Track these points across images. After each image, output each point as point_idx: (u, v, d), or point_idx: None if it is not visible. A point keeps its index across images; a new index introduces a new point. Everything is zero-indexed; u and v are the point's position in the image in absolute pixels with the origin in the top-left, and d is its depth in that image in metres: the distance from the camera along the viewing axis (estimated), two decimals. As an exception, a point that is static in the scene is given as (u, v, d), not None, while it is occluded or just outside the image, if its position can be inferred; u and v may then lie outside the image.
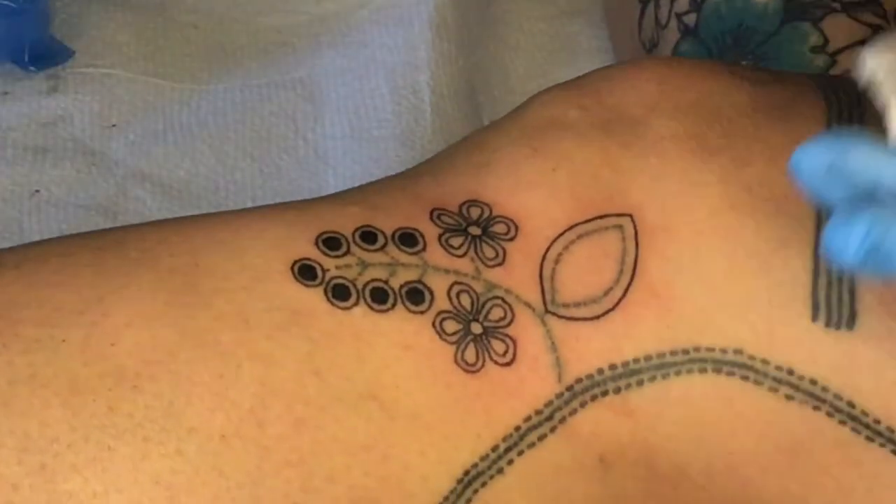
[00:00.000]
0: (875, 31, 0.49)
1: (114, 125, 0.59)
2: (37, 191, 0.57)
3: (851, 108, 0.37)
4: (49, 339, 0.33)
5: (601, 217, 0.36)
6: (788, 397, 0.35)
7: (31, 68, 0.60)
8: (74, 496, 0.32)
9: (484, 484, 0.34)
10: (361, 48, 0.61)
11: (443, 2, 0.61)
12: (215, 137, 0.58)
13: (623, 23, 0.57)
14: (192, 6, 0.63)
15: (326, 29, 0.62)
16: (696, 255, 0.35)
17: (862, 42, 0.48)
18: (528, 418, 0.35)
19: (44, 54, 0.61)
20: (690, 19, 0.51)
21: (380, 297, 0.34)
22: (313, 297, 0.34)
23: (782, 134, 0.37)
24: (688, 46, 0.51)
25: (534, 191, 0.36)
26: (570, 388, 0.35)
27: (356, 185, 0.55)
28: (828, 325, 0.34)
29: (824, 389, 0.34)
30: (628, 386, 0.35)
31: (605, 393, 0.35)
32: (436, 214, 0.36)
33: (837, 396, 0.34)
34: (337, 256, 0.35)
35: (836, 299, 0.34)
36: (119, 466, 0.32)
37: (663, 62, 0.39)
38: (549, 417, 0.35)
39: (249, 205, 0.56)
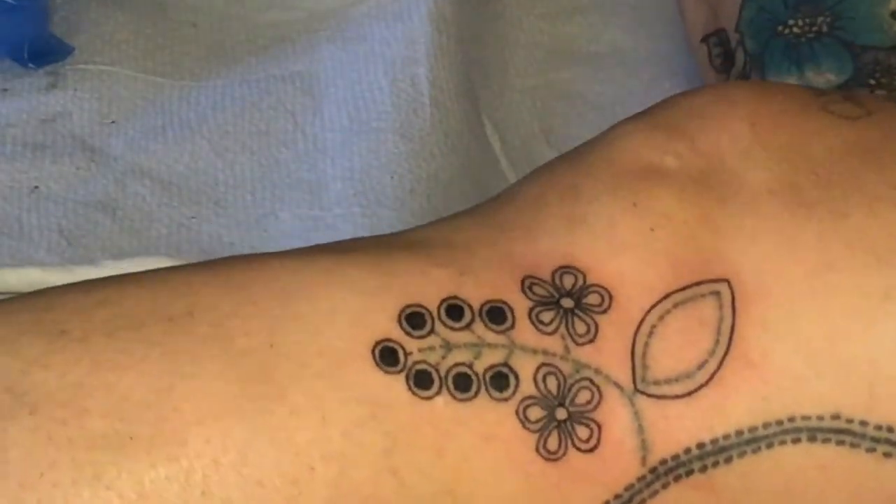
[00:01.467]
0: None
1: (113, 121, 0.59)
2: (36, 187, 0.57)
3: None
4: (115, 434, 0.31)
5: (698, 284, 0.34)
6: (886, 455, 0.33)
7: (31, 65, 0.60)
8: None
9: None
10: (360, 42, 0.61)
11: (442, -4, 0.61)
12: (214, 132, 0.58)
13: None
14: (191, 4, 0.64)
15: (325, 24, 0.62)
16: (794, 320, 0.34)
17: None
18: (607, 503, 0.33)
19: (43, 51, 0.61)
20: None
21: (463, 384, 0.33)
22: (394, 386, 0.32)
23: (879, 180, 0.35)
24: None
25: (630, 254, 0.34)
26: (653, 470, 0.33)
27: (356, 176, 0.56)
28: None
29: None
30: (716, 464, 0.33)
31: (689, 473, 0.33)
32: (527, 284, 0.34)
33: None
34: (420, 337, 0.33)
35: None
36: None
37: (753, 94, 0.37)
38: (629, 501, 0.33)
39: (249, 199, 0.56)
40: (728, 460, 0.33)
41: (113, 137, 0.58)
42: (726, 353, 0.34)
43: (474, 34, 0.62)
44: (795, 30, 0.51)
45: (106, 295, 0.34)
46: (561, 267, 0.35)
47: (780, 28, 0.51)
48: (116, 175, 0.57)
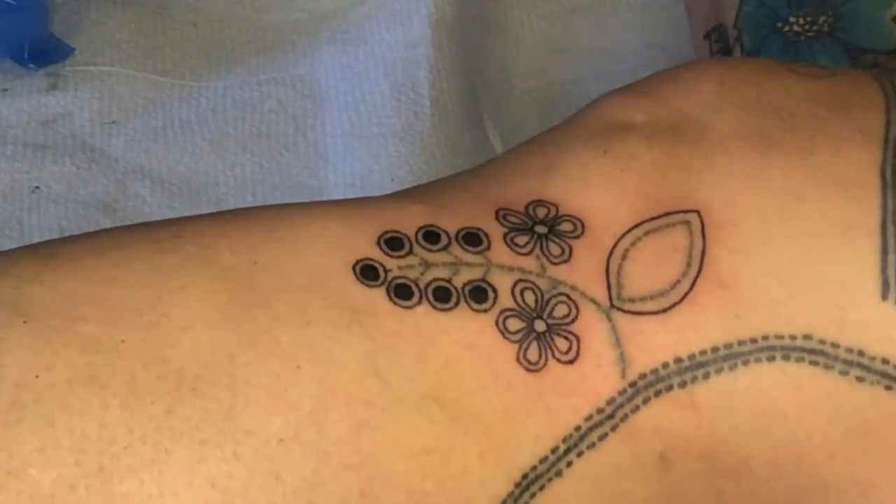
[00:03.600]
0: None
1: (114, 122, 0.59)
2: (37, 187, 0.57)
3: None
4: (108, 339, 0.32)
5: (668, 214, 0.35)
6: (859, 379, 0.34)
7: (31, 66, 0.60)
8: (130, 498, 0.31)
9: (542, 487, 0.34)
10: (361, 44, 0.61)
11: (441, -1, 0.61)
12: (215, 134, 0.58)
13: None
14: (192, 4, 0.64)
15: (326, 26, 0.63)
16: (764, 245, 0.35)
17: None
18: (590, 417, 0.34)
19: (43, 52, 0.61)
20: None
21: (443, 295, 0.34)
22: (375, 297, 0.33)
23: (843, 123, 0.36)
24: None
25: (601, 190, 0.36)
26: (633, 385, 0.34)
27: (357, 181, 0.56)
28: None
29: None
30: (694, 379, 0.34)
31: (669, 388, 0.34)
32: (501, 214, 0.35)
33: None
34: (399, 257, 0.34)
35: None
36: (175, 469, 0.31)
37: (722, 63, 0.39)
38: (611, 416, 0.34)
39: (250, 201, 0.56)
40: (706, 376, 0.34)
41: (113, 138, 0.59)
42: (698, 275, 0.35)
43: (474, 35, 0.62)
44: (796, 27, 0.51)
45: (94, 232, 0.35)
46: (534, 201, 0.36)
47: (779, 24, 0.51)
48: (117, 175, 0.57)
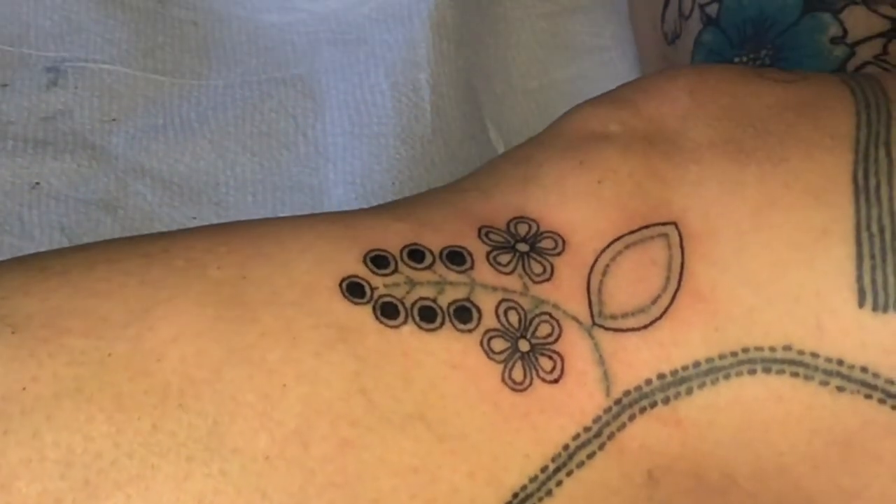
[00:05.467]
0: (894, 24, 0.49)
1: (114, 119, 0.59)
2: (37, 183, 0.57)
3: (877, 98, 0.37)
4: (95, 351, 0.32)
5: (646, 227, 0.36)
6: (839, 389, 0.34)
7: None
8: None
9: None
10: (361, 45, 0.61)
11: (442, 0, 0.61)
12: (215, 133, 0.58)
13: (646, 14, 0.57)
14: (192, 3, 0.64)
15: (326, 26, 0.63)
16: (740, 255, 0.35)
17: (881, 34, 0.49)
18: (577, 436, 0.34)
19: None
20: (713, 10, 0.52)
21: (428, 315, 0.34)
22: (362, 315, 0.34)
23: (814, 128, 0.37)
24: (709, 36, 0.52)
25: (580, 203, 0.36)
26: (618, 402, 0.34)
27: (357, 181, 0.56)
28: (875, 308, 0.34)
29: (875, 376, 0.34)
30: (677, 395, 0.35)
31: (653, 404, 0.35)
32: (483, 232, 0.36)
33: (889, 381, 0.34)
34: (385, 275, 0.34)
35: (881, 281, 0.34)
36: (162, 485, 0.31)
37: (694, 71, 0.39)
38: (598, 434, 0.34)
39: (250, 200, 0.57)
40: (689, 391, 0.35)
41: (114, 135, 0.59)
42: (678, 289, 0.35)
43: (475, 37, 0.62)
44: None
45: (85, 245, 0.36)
46: (515, 218, 0.36)
47: None
48: (118, 173, 0.57)
